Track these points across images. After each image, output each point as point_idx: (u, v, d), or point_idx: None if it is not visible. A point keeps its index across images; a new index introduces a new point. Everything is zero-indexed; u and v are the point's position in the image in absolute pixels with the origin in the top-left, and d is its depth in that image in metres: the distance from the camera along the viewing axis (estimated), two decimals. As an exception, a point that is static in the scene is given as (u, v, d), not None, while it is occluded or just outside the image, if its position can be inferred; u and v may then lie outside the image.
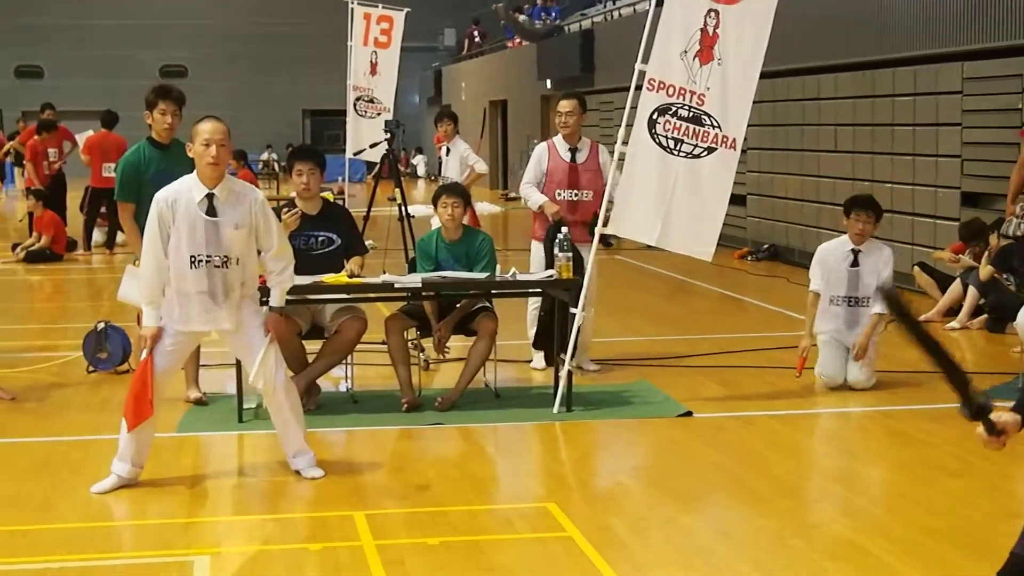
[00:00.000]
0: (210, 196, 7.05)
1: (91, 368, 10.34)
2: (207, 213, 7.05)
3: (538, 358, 10.46)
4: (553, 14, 33.30)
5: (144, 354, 7.16)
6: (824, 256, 9.79)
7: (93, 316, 11.49)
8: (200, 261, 7.07)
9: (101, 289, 15.92)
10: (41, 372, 10.50)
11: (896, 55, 15.21)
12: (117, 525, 6.71)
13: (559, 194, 10.19)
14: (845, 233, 9.76)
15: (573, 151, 10.24)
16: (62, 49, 48.25)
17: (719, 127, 9.01)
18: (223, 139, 7.10)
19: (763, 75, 9.21)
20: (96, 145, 19.48)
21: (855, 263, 9.60)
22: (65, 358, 10.85)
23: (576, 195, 10.20)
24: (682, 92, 9.01)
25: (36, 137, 20.30)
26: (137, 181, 8.89)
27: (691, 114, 9.01)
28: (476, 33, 42.65)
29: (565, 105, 10.27)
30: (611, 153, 9.79)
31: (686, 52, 8.97)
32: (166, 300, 7.16)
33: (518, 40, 35.20)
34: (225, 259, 7.11)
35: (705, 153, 9.04)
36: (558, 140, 10.32)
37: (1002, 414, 4.04)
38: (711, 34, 8.94)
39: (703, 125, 9.01)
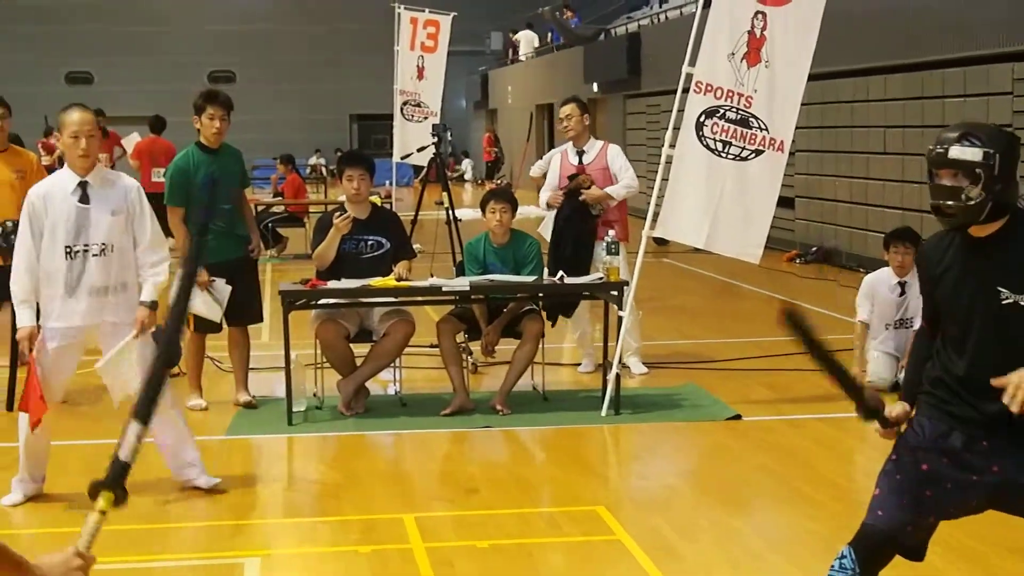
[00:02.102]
0: (83, 184, 6.85)
1: (142, 371, 10.41)
2: (80, 200, 6.84)
3: (587, 362, 10.46)
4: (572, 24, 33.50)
5: (28, 355, 6.95)
6: (872, 289, 9.79)
7: (144, 320, 11.54)
8: (76, 252, 6.83)
9: (151, 293, 16.00)
10: (92, 375, 10.54)
11: (946, 56, 15.10)
12: (168, 527, 6.76)
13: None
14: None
15: (580, 153, 10.29)
16: (111, 55, 48.65)
17: (767, 129, 8.98)
18: (91, 130, 6.84)
19: (811, 77, 9.17)
20: (145, 150, 19.59)
21: (903, 293, 9.61)
22: (116, 361, 10.92)
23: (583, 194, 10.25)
24: (730, 94, 8.99)
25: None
26: (186, 186, 8.96)
27: (739, 116, 8.98)
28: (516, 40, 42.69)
29: (564, 110, 10.34)
30: (656, 153, 9.79)
31: (733, 54, 8.95)
32: (44, 299, 6.89)
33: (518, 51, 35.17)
34: (102, 247, 6.86)
35: (753, 155, 9.02)
36: (568, 146, 10.41)
37: (894, 407, 4.31)
38: (758, 36, 8.92)
39: (751, 127, 8.98)
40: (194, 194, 8.95)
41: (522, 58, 41.72)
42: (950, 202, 4.03)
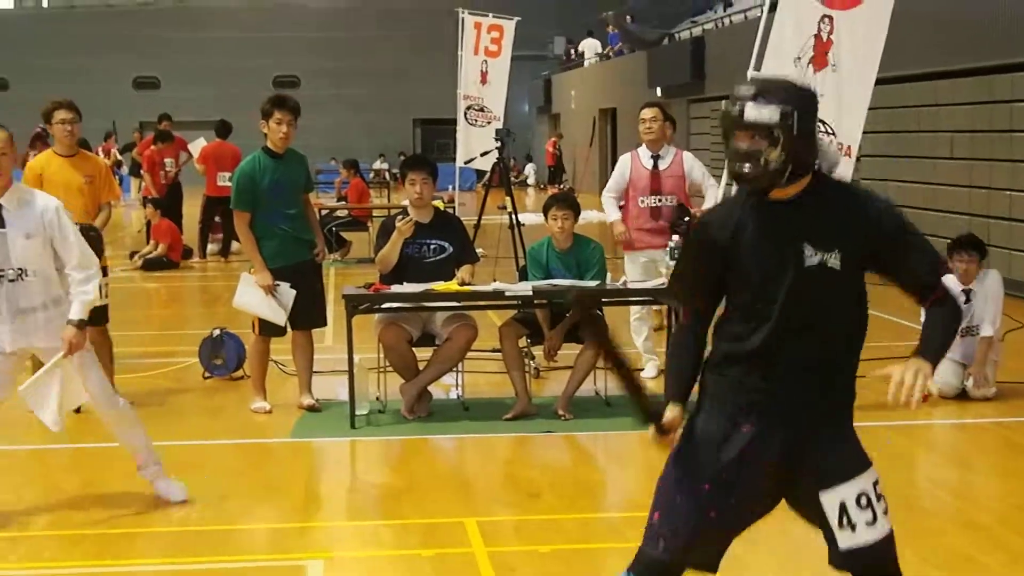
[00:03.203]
0: None
1: (207, 374, 10.50)
2: None
3: (650, 367, 10.42)
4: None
5: None
6: None
7: (209, 323, 11.67)
8: None
9: (217, 296, 16.15)
10: (158, 377, 10.69)
11: (1016, 59, 14.91)
12: (232, 528, 6.79)
13: (642, 201, 10.27)
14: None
15: (655, 158, 10.25)
16: (178, 60, 49.13)
17: (834, 134, 8.91)
18: (4, 147, 6.56)
19: (878, 81, 9.10)
20: (211, 154, 19.79)
21: (967, 300, 9.49)
22: (182, 364, 11.04)
23: (659, 200, 10.24)
24: (796, 99, 8.92)
25: (153, 147, 20.67)
26: (253, 190, 9.02)
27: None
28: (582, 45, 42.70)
29: (647, 112, 10.30)
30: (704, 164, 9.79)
31: (799, 58, 8.90)
32: None
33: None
34: (20, 272, 6.55)
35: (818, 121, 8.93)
36: (641, 149, 10.37)
37: (667, 413, 3.95)
38: (825, 40, 8.85)
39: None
40: (260, 199, 9.01)
41: (586, 63, 41.70)
42: (748, 166, 3.73)
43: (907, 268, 3.81)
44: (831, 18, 8.87)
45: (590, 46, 42.03)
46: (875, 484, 3.88)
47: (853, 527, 3.81)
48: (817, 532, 3.97)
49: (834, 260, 3.75)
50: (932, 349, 3.76)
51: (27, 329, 6.63)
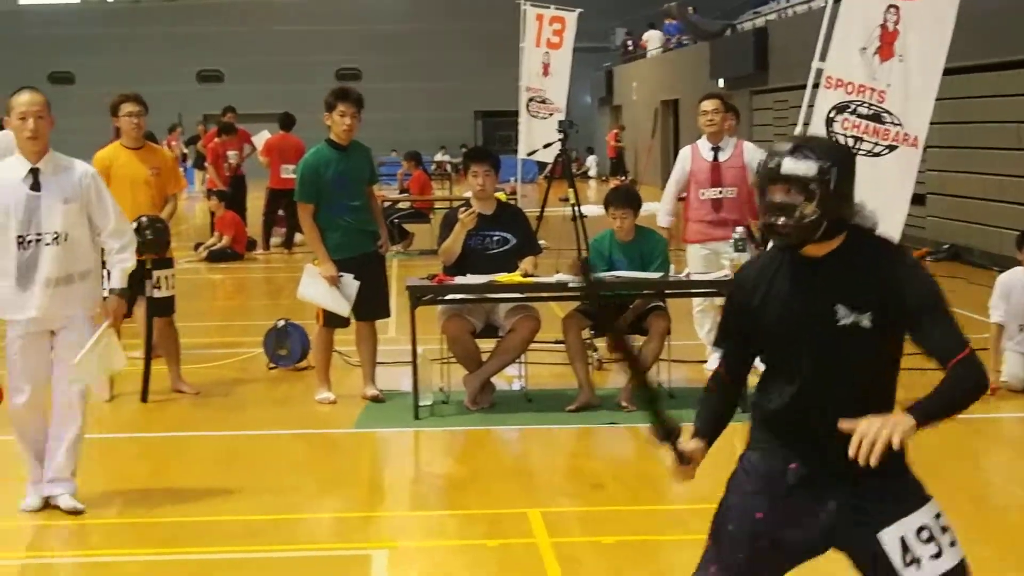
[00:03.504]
0: (34, 171, 6.56)
1: (271, 365, 10.58)
2: (31, 188, 6.55)
3: (714, 358, 10.38)
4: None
5: None
6: (1007, 289, 9.54)
7: (273, 314, 11.76)
8: (30, 241, 6.53)
9: (280, 288, 16.27)
10: (224, 368, 10.79)
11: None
12: (297, 518, 6.85)
13: (703, 193, 10.22)
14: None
15: (716, 150, 10.21)
16: (241, 54, 49.48)
17: (900, 124, 8.82)
18: (40, 110, 6.55)
19: (944, 71, 8.99)
20: (275, 147, 19.91)
21: None
22: (247, 354, 11.13)
23: (720, 192, 10.19)
24: (862, 89, 8.85)
25: (216, 140, 20.84)
26: (316, 182, 9.07)
27: (871, 112, 8.84)
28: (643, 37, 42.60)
29: (709, 104, 10.25)
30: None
31: (866, 49, 8.80)
32: (1, 292, 6.62)
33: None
34: (55, 236, 6.55)
35: (886, 151, 8.87)
36: (701, 141, 10.34)
37: (688, 443, 3.91)
38: (891, 30, 8.76)
39: (883, 123, 8.83)
40: (324, 191, 9.06)
41: (649, 55, 41.56)
42: (782, 219, 3.67)
43: (930, 340, 3.71)
44: (897, 8, 8.77)
45: (653, 38, 41.88)
46: (937, 517, 3.79)
47: (918, 563, 3.73)
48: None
49: (866, 321, 3.70)
50: (923, 407, 3.64)
51: (56, 298, 6.59)
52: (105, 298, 6.85)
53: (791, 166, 3.68)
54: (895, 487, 3.80)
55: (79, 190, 6.64)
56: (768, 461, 3.87)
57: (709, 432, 4.01)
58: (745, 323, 3.88)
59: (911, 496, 3.80)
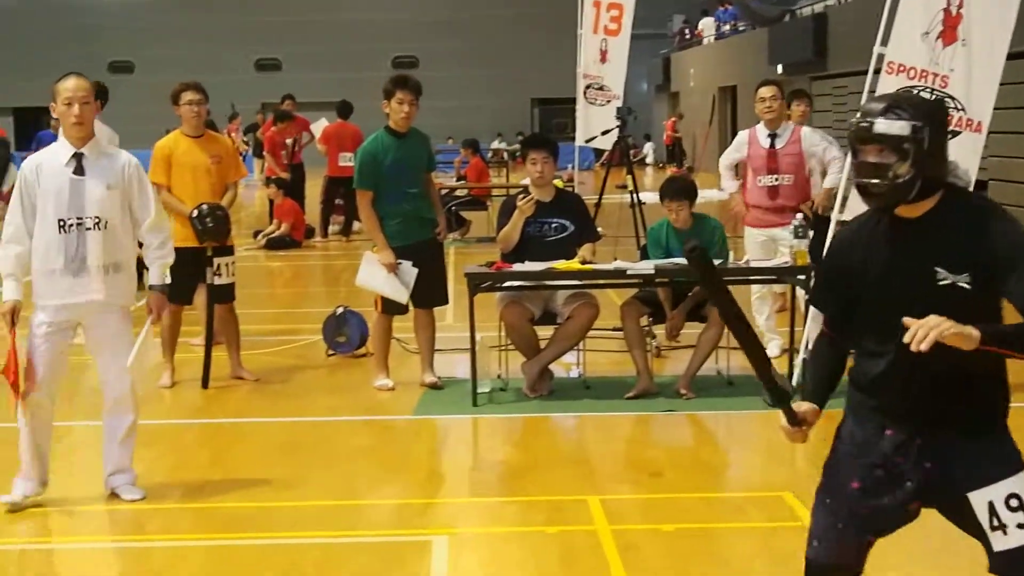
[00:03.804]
0: (78, 156, 6.54)
1: (330, 351, 10.63)
2: (75, 172, 6.53)
3: (772, 346, 10.33)
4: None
5: (9, 328, 6.56)
6: None
7: (331, 301, 11.82)
8: (71, 225, 6.49)
9: (338, 275, 16.35)
10: (283, 354, 10.85)
11: None
12: (357, 504, 6.88)
13: (759, 180, 10.16)
14: None
15: (773, 137, 10.13)
16: (298, 43, 49.72)
17: (963, 110, 8.73)
18: (86, 96, 6.53)
19: (1008, 56, 8.88)
20: (333, 135, 19.96)
21: None
22: (305, 341, 11.19)
23: (776, 180, 10.13)
24: (924, 75, 8.77)
25: (273, 128, 20.93)
26: (375, 170, 9.09)
27: (933, 97, 8.75)
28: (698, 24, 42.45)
29: (767, 91, 10.19)
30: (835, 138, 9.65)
31: (928, 33, 8.72)
32: (35, 275, 6.56)
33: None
34: (96, 221, 6.51)
35: (949, 136, 8.76)
36: (759, 127, 10.27)
37: (801, 404, 3.94)
38: (954, 14, 8.67)
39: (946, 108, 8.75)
40: (383, 178, 9.08)
41: (705, 41, 41.38)
42: (875, 180, 3.67)
43: (1017, 294, 3.68)
44: (961, -9, 8.68)
45: (708, 25, 41.70)
46: None
47: (1004, 529, 3.73)
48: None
49: (965, 281, 3.69)
50: (995, 329, 3.61)
51: (92, 284, 6.52)
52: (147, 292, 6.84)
53: (884, 126, 3.67)
54: (991, 451, 3.81)
55: (122, 177, 6.63)
56: (864, 428, 3.91)
57: (821, 393, 4.03)
58: (843, 286, 3.90)
59: (1005, 462, 3.80)
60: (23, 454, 6.65)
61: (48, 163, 6.58)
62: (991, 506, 3.75)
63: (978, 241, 3.70)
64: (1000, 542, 3.75)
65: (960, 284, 3.68)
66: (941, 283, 3.69)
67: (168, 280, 6.89)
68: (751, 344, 3.78)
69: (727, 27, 40.04)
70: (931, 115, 3.73)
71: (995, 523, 3.74)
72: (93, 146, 6.61)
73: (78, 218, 6.50)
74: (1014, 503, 3.74)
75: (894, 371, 3.81)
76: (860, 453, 3.90)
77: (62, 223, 6.50)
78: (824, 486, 4.01)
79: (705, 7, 42.07)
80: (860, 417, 3.94)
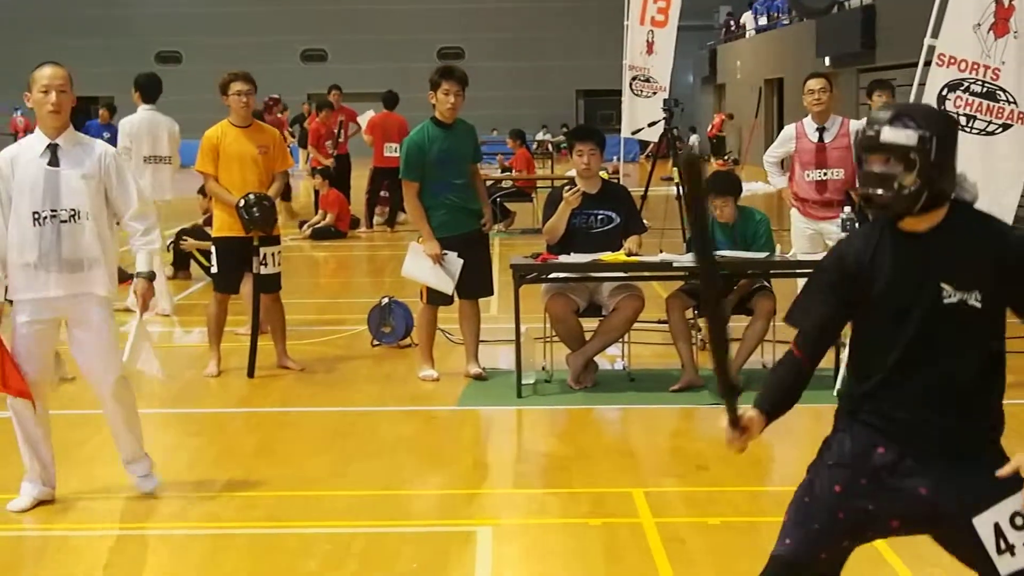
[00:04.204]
0: (53, 147, 6.34)
1: (375, 342, 10.65)
2: (49, 163, 6.32)
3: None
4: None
5: None
6: None
7: (376, 291, 11.84)
8: (45, 218, 6.29)
9: (383, 266, 16.39)
10: (328, 344, 10.89)
11: None
12: (403, 494, 6.89)
13: (807, 175, 10.06)
14: None
15: (821, 130, 10.04)
16: (344, 33, 49.87)
17: (1015, 102, 8.63)
18: (63, 84, 6.36)
19: (1062, 47, 8.78)
20: (378, 125, 20.00)
21: None
22: (350, 331, 11.22)
23: (824, 174, 10.02)
24: (975, 67, 8.67)
25: (316, 119, 20.99)
26: (421, 160, 9.09)
27: (984, 89, 8.66)
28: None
29: (815, 83, 10.06)
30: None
31: (979, 25, 8.62)
32: (12, 269, 6.36)
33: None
34: (73, 213, 6.31)
35: (1000, 130, 8.69)
36: (807, 120, 10.16)
37: (747, 409, 3.80)
38: (1007, 6, 8.57)
39: (998, 101, 8.65)
40: (429, 169, 9.08)
41: (749, 34, 41.19)
42: (880, 190, 3.58)
43: None
44: (1013, -17, 8.59)
45: (750, 19, 41.54)
46: None
47: (1012, 550, 3.63)
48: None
49: (975, 300, 3.61)
50: None
51: (71, 278, 6.35)
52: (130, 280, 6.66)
53: (891, 135, 3.59)
54: (987, 471, 3.68)
55: (98, 167, 6.42)
56: (853, 443, 3.79)
57: (771, 407, 3.91)
58: (846, 296, 3.77)
59: (1006, 480, 3.67)
60: (22, 455, 6.57)
61: (23, 155, 6.40)
62: (997, 528, 3.63)
63: (988, 256, 3.62)
64: (1007, 565, 3.63)
65: (970, 303, 3.60)
66: (946, 301, 3.61)
67: (154, 267, 6.74)
68: (717, 322, 3.70)
69: (763, 19, 39.87)
70: (939, 126, 3.63)
71: (1002, 546, 3.62)
72: (68, 136, 6.44)
73: (52, 210, 6.31)
74: (1019, 521, 3.64)
75: (889, 391, 3.73)
76: (848, 464, 3.79)
77: (36, 216, 6.31)
78: (804, 485, 3.89)
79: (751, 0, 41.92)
80: (851, 432, 3.82)
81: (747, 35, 41.65)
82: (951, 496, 3.65)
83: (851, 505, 3.76)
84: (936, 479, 3.67)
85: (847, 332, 3.98)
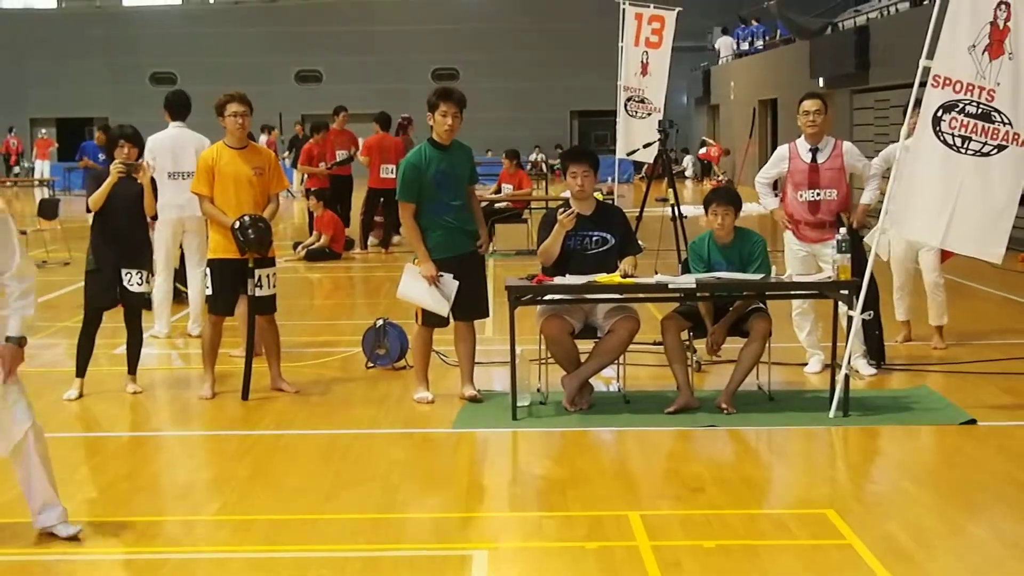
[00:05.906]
0: None
1: (370, 364, 10.63)
2: None
3: (814, 362, 10.27)
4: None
5: None
6: None
7: (371, 313, 11.82)
8: None
9: (378, 287, 16.36)
10: (323, 366, 10.86)
11: None
12: (397, 517, 6.86)
13: (800, 195, 10.05)
14: None
15: (814, 151, 10.03)
16: (339, 54, 49.95)
17: (1010, 124, 8.64)
18: None
19: (1056, 70, 8.79)
20: (374, 146, 20.00)
21: None
22: (345, 353, 11.20)
23: (817, 195, 10.02)
24: (970, 88, 8.68)
25: (311, 140, 20.98)
26: (418, 181, 9.08)
27: (979, 111, 8.67)
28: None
29: (811, 104, 10.04)
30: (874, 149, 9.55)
31: (974, 46, 8.64)
32: None
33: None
34: None
35: (995, 151, 8.69)
36: (800, 141, 10.15)
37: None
38: (1001, 28, 8.59)
39: (993, 122, 8.66)
40: (426, 190, 9.07)
41: (721, 61, 41.37)
42: None
43: None
44: (1008, 4, 8.60)
45: (725, 44, 41.88)
46: None
47: None
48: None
49: None
50: None
51: None
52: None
53: None
54: None
55: None
56: None
57: None
58: None
59: None
60: None
61: None
62: None
63: None
64: None
65: None
66: None
67: (28, 333, 6.18)
68: None
69: (745, 44, 40.05)
70: None
71: None
72: None
73: None
74: None
75: None
76: None
77: None
78: None
79: (745, 16, 42.01)
80: None
81: (720, 61, 41.89)
82: None
83: None
84: None
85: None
